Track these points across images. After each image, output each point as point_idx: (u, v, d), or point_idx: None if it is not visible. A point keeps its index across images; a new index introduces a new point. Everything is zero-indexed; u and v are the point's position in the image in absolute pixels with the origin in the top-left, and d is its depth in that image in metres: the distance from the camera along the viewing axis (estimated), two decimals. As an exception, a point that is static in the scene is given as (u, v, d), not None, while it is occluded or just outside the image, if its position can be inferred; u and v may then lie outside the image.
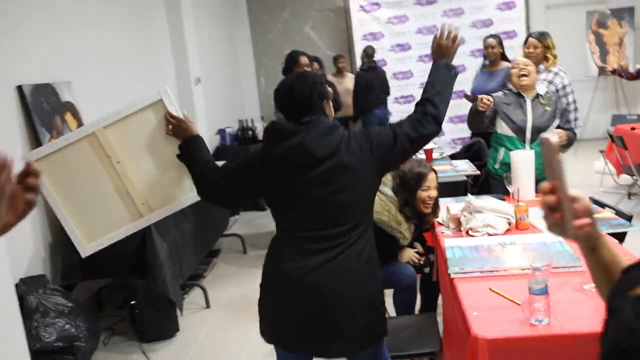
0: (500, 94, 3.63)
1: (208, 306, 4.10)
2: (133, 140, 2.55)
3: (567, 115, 3.70)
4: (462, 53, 8.08)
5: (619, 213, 2.96)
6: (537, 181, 3.47)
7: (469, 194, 3.04)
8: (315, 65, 5.58)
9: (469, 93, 5.23)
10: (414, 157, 3.42)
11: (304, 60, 4.60)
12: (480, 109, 3.45)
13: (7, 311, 2.34)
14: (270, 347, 2.24)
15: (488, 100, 3.49)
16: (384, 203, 2.95)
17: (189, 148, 2.28)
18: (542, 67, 4.22)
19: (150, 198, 2.61)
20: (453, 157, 4.94)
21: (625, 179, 6.05)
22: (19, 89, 3.49)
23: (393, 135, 2.02)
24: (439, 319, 2.89)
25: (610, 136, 5.68)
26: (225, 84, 8.00)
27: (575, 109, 4.24)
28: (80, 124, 4.01)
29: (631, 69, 7.98)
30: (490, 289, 2.14)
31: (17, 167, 1.02)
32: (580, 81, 8.18)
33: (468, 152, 4.94)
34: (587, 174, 6.58)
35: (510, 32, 8.00)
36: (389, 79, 7.76)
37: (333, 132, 2.00)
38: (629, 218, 2.86)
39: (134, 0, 5.32)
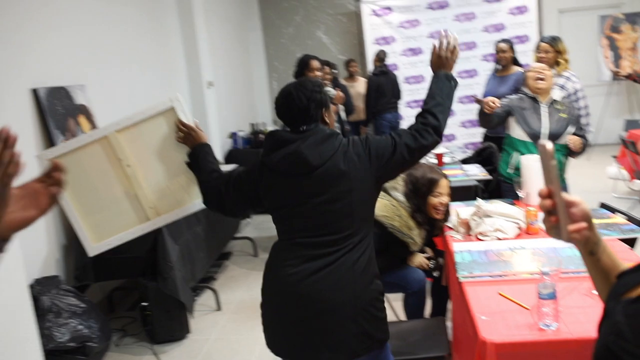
0: (515, 97, 3.62)
1: (219, 308, 4.13)
2: (144, 146, 2.60)
3: (580, 122, 3.70)
4: (474, 57, 8.09)
5: (630, 218, 2.95)
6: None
7: (478, 198, 3.04)
8: (327, 69, 5.59)
9: (480, 97, 5.21)
10: (426, 162, 3.44)
11: (315, 64, 4.61)
12: (486, 111, 3.46)
13: (21, 311, 2.37)
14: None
15: (493, 102, 3.50)
16: (396, 208, 2.96)
17: (197, 156, 2.32)
18: (553, 71, 4.21)
19: (158, 202, 2.66)
20: (464, 161, 4.94)
21: (639, 184, 6.01)
22: (34, 92, 3.55)
23: (392, 144, 2.02)
24: (450, 323, 2.90)
25: (623, 141, 5.65)
26: (237, 88, 8.04)
27: (587, 114, 4.22)
28: (93, 126, 4.06)
29: (645, 74, 7.93)
30: (499, 294, 2.14)
31: (32, 168, 1.05)
32: (593, 86, 8.15)
33: (479, 156, 4.94)
34: (600, 180, 6.55)
35: (522, 36, 7.98)
36: (401, 83, 7.77)
37: (329, 141, 2.00)
38: (640, 223, 2.86)
39: (147, 5, 5.38)
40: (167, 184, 2.64)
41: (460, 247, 2.64)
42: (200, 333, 3.77)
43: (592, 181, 6.44)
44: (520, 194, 3.11)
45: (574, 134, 3.47)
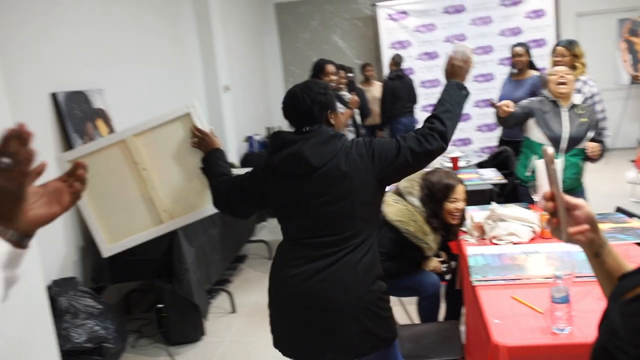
0: (536, 100, 3.61)
1: (234, 311, 4.15)
2: (160, 150, 2.65)
3: (599, 127, 3.67)
4: (490, 62, 8.06)
5: (647, 223, 2.92)
6: (568, 191, 3.44)
7: (492, 202, 3.03)
8: (342, 73, 5.61)
9: (496, 102, 5.19)
10: (442, 168, 3.44)
11: (330, 68, 4.63)
12: (501, 115, 3.47)
13: (39, 312, 2.41)
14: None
15: (507, 106, 3.49)
16: (411, 213, 2.95)
17: (209, 160, 2.38)
18: (571, 75, 4.18)
19: (172, 206, 2.70)
20: (480, 165, 4.92)
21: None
22: (53, 96, 3.61)
23: (397, 147, 2.02)
24: (464, 327, 2.89)
25: (642, 145, 5.59)
26: (253, 92, 8.09)
27: (604, 118, 4.19)
28: (111, 130, 4.12)
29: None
30: (512, 297, 2.13)
31: (51, 170, 1.08)
32: (611, 90, 8.07)
33: (495, 160, 4.91)
34: (618, 184, 6.48)
35: (539, 40, 7.93)
36: (417, 87, 7.76)
37: (331, 142, 2.02)
38: (657, 228, 2.83)
39: (165, 11, 5.44)
40: (181, 188, 2.69)
41: (473, 251, 2.63)
42: (215, 335, 3.80)
43: (610, 185, 6.38)
44: (535, 197, 3.10)
45: (593, 139, 3.45)
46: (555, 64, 4.25)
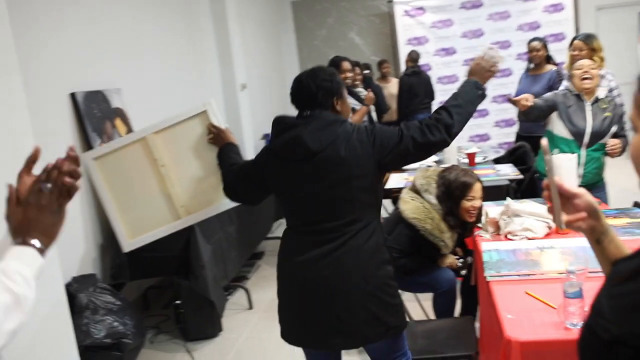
0: (560, 93, 3.57)
1: (251, 307, 4.19)
2: (178, 147, 2.72)
3: (622, 122, 3.63)
4: (509, 56, 7.97)
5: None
6: (588, 186, 3.41)
7: (508, 198, 3.02)
8: (357, 70, 5.61)
9: (513, 97, 5.16)
10: (459, 165, 3.43)
11: (346, 65, 4.64)
12: (521, 109, 3.45)
13: (57, 308, 2.46)
14: (308, 348, 2.29)
15: (527, 100, 3.47)
16: (428, 211, 2.95)
17: (222, 154, 2.43)
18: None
19: (189, 202, 2.76)
20: (497, 161, 4.89)
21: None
22: (72, 96, 3.67)
23: (399, 135, 2.03)
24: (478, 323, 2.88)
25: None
26: (270, 90, 8.12)
27: (623, 113, 4.14)
28: (129, 129, 4.17)
29: (687, 71, 7.71)
30: (526, 292, 2.13)
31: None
32: (631, 84, 7.92)
33: (512, 156, 4.88)
34: (637, 179, 6.38)
35: (558, 34, 7.84)
36: (434, 83, 7.73)
37: (332, 127, 2.03)
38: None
39: (182, 10, 5.49)
40: (198, 184, 2.75)
41: (488, 247, 2.63)
42: (232, 331, 3.83)
43: (629, 180, 6.28)
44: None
45: (616, 133, 3.42)
46: (573, 58, 4.21)
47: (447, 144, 2.09)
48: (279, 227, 6.11)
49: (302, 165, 2.05)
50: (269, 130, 7.45)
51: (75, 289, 3.19)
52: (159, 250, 3.34)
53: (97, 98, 3.91)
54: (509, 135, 7.65)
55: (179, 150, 2.73)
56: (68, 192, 1.20)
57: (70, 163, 1.20)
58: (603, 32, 7.96)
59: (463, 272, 3.17)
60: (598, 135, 3.38)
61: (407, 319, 2.85)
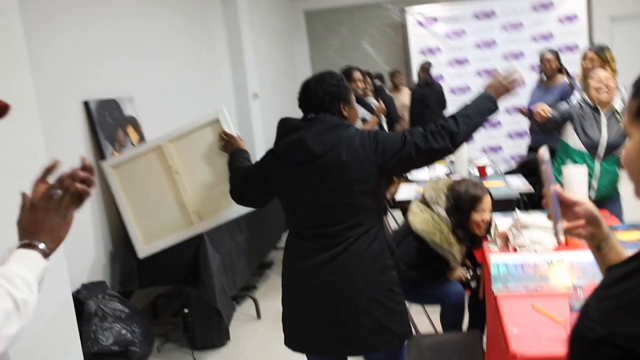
0: (576, 105, 3.54)
1: (259, 317, 4.18)
2: (192, 154, 2.79)
3: None
4: (521, 67, 7.93)
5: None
6: (602, 199, 3.38)
7: (517, 210, 3.00)
8: (369, 80, 5.62)
9: (525, 109, 5.14)
10: (469, 177, 3.42)
11: (357, 75, 4.65)
12: (538, 120, 3.43)
13: (64, 314, 2.48)
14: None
15: (544, 110, 3.44)
16: (437, 223, 2.93)
17: (231, 160, 2.47)
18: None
19: (202, 208, 2.81)
20: (508, 173, 4.87)
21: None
22: (86, 104, 3.71)
23: (402, 141, 2.03)
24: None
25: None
26: (282, 99, 8.15)
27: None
28: (141, 137, 4.21)
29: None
30: (533, 306, 2.11)
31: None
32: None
33: (524, 168, 4.86)
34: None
35: (572, 45, 7.81)
36: (446, 93, 7.71)
37: (335, 131, 2.04)
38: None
39: (195, 19, 5.53)
40: (210, 191, 2.79)
41: (496, 260, 2.61)
42: (239, 340, 3.83)
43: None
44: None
45: None
46: (585, 69, 4.19)
47: (450, 152, 2.08)
48: (289, 236, 6.11)
49: (304, 168, 2.06)
50: (280, 139, 7.37)
51: (85, 296, 3.21)
52: (168, 259, 3.36)
53: (110, 106, 3.95)
54: (521, 146, 7.61)
55: (192, 158, 2.79)
56: (79, 199, 1.24)
57: (84, 172, 1.24)
58: (617, 43, 7.92)
59: (472, 284, 3.15)
60: (612, 147, 3.35)
61: (413, 330, 2.85)
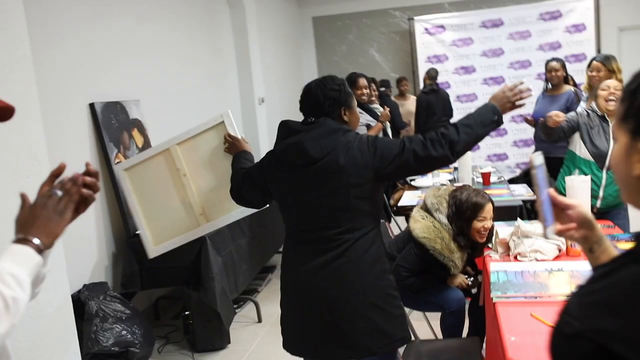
0: (584, 114, 3.53)
1: (260, 320, 4.19)
2: (198, 157, 2.84)
3: None
4: (528, 76, 7.94)
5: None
6: (608, 209, 3.37)
7: (518, 218, 2.99)
8: (374, 86, 5.64)
9: (530, 117, 5.15)
10: (471, 186, 3.41)
11: (362, 82, 4.66)
12: (550, 125, 3.42)
13: (62, 311, 2.49)
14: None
15: (557, 116, 3.44)
16: (438, 230, 2.93)
17: (234, 161, 2.48)
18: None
19: (208, 209, 2.88)
20: (512, 181, 4.86)
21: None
22: (91, 106, 3.73)
23: (400, 147, 2.02)
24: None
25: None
26: (289, 104, 8.17)
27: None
28: (146, 140, 4.23)
29: None
30: (531, 315, 2.11)
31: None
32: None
33: (528, 176, 4.84)
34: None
35: (579, 55, 7.79)
36: (453, 101, 7.71)
37: (333, 135, 2.05)
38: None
39: (202, 22, 5.57)
40: (216, 193, 2.85)
41: (496, 267, 2.61)
42: (240, 344, 3.84)
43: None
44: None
45: None
46: (591, 79, 4.19)
47: (449, 161, 2.07)
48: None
49: (301, 171, 2.07)
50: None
51: (86, 297, 3.23)
52: (169, 261, 3.37)
53: (115, 109, 3.98)
54: (527, 155, 7.60)
55: (198, 160, 2.85)
56: (84, 203, 1.27)
57: (90, 177, 1.27)
58: (625, 53, 7.91)
59: (473, 290, 3.14)
60: None
61: (412, 336, 2.85)
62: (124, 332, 3.20)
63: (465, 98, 8.28)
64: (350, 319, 2.04)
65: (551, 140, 3.69)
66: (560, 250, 2.73)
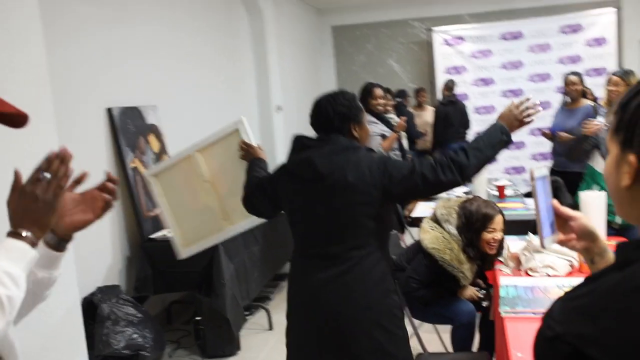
0: (604, 129, 3.50)
1: (271, 328, 4.19)
2: (217, 163, 2.92)
3: None
4: (548, 89, 7.90)
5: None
6: (622, 225, 3.33)
7: (529, 233, 2.97)
8: (389, 96, 5.65)
9: (547, 131, 5.12)
10: (481, 197, 3.39)
11: (378, 92, 4.67)
12: (587, 133, 3.40)
13: (71, 314, 2.52)
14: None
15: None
16: (447, 241, 2.92)
17: (248, 169, 2.51)
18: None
19: (231, 214, 2.97)
20: (528, 194, 4.82)
21: None
22: (109, 111, 3.79)
23: (410, 169, 2.03)
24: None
25: None
26: (306, 113, 8.11)
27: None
28: (162, 145, 4.28)
29: None
30: (539, 331, 2.09)
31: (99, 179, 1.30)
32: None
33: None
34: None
35: (600, 69, 7.73)
36: (471, 113, 7.68)
37: (344, 152, 2.06)
38: None
39: (220, 28, 5.62)
40: (235, 198, 2.88)
41: (506, 282, 2.59)
42: (250, 351, 3.84)
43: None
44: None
45: None
46: (609, 93, 4.15)
47: (458, 185, 2.07)
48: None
49: (310, 186, 2.08)
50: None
51: (99, 299, 3.26)
52: (182, 266, 3.39)
53: (132, 114, 4.03)
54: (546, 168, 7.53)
55: (217, 167, 2.92)
56: (102, 209, 1.30)
57: (110, 183, 1.30)
58: (647, 68, 7.81)
59: (484, 303, 3.12)
60: None
61: (422, 351, 2.84)
62: (135, 336, 3.23)
63: (483, 110, 8.25)
64: (354, 336, 2.04)
65: (571, 160, 3.67)
66: (572, 267, 2.70)
